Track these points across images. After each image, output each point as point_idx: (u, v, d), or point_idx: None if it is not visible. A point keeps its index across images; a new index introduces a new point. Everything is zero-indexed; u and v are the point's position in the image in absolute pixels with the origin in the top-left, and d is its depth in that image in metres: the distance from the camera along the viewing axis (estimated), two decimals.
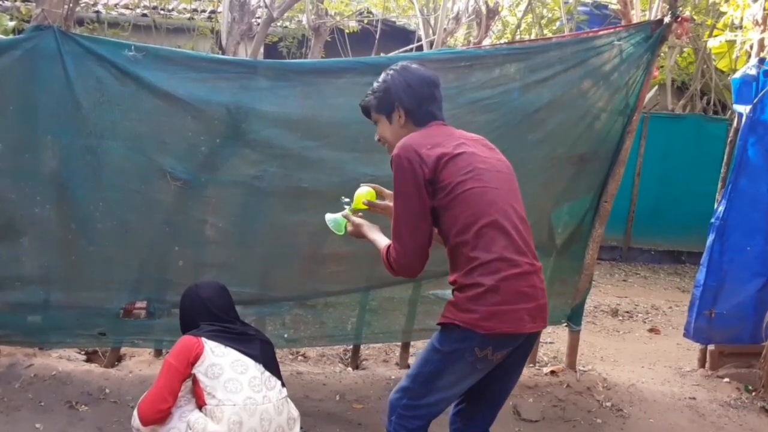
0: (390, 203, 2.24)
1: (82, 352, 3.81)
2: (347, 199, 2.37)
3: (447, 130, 2.18)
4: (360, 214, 2.37)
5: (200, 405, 2.40)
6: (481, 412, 2.25)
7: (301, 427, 2.74)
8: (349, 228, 2.34)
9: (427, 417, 2.12)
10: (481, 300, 1.95)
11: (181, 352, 2.42)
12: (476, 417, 2.25)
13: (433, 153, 2.04)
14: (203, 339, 2.44)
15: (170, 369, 2.40)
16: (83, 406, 3.08)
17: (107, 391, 3.18)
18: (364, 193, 2.36)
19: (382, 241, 2.21)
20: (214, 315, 2.58)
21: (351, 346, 3.92)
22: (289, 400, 2.57)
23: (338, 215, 2.38)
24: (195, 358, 2.40)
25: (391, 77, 2.20)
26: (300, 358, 4.04)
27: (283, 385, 2.57)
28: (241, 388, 2.39)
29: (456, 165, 2.04)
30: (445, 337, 2.04)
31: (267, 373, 2.51)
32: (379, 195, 2.39)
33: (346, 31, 8.70)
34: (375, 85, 2.25)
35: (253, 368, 2.46)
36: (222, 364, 2.40)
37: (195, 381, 2.41)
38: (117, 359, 3.57)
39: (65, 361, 3.47)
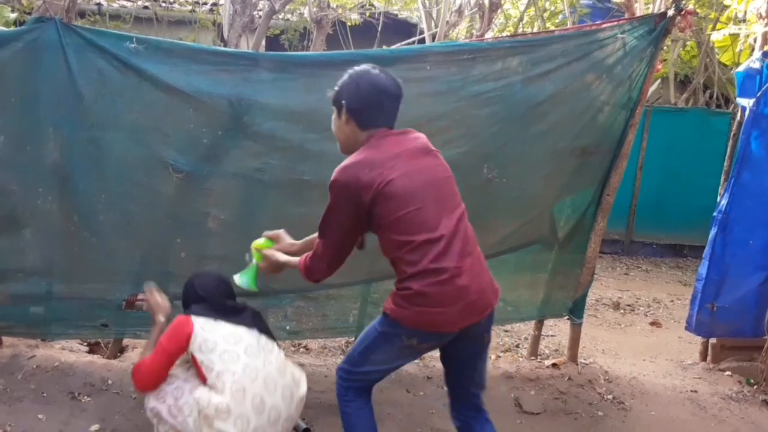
0: (277, 253, 2.53)
1: (85, 344, 3.83)
2: (249, 254, 2.59)
3: (386, 144, 2.24)
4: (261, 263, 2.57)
5: (203, 383, 2.42)
6: (461, 402, 2.44)
7: (303, 419, 2.75)
8: (264, 265, 2.55)
9: (361, 383, 2.36)
10: (409, 300, 2.16)
11: (173, 333, 2.46)
12: (459, 408, 2.45)
13: (369, 178, 2.15)
14: (192, 317, 2.47)
15: (163, 350, 2.45)
16: (86, 396, 3.09)
17: (109, 382, 3.19)
18: (261, 242, 2.60)
19: (295, 258, 2.45)
20: (208, 300, 2.60)
21: (353, 338, 3.92)
22: (289, 360, 2.60)
23: (243, 273, 2.61)
24: (187, 336, 2.42)
25: (348, 76, 2.32)
26: (302, 350, 4.05)
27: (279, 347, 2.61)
28: (238, 357, 2.41)
29: (391, 191, 2.14)
30: (382, 320, 2.29)
31: (263, 338, 2.54)
32: (276, 240, 2.61)
33: (348, 23, 8.69)
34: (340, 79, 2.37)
35: (248, 336, 2.49)
36: (215, 339, 2.43)
37: (195, 363, 2.43)
38: (119, 350, 3.60)
39: (68, 352, 3.49)
